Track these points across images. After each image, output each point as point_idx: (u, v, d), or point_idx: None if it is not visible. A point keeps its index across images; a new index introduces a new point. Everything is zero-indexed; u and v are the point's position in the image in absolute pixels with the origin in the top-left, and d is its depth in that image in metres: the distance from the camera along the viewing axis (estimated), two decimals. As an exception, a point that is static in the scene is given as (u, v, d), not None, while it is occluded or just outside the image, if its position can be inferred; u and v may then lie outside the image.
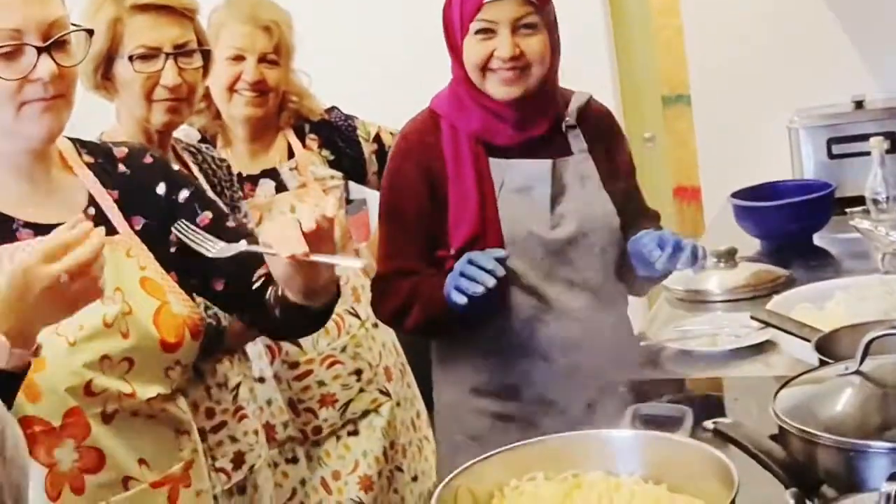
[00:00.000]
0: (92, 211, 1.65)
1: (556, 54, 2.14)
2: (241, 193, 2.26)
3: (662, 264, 2.04)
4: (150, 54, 2.03)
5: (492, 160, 2.14)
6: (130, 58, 2.02)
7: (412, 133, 2.20)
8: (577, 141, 2.20)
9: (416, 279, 2.14)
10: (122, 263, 1.63)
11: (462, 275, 1.97)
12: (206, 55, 2.12)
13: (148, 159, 1.76)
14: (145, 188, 1.72)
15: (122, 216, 1.67)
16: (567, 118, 2.19)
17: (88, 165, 1.69)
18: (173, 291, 1.67)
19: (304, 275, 1.58)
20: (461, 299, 1.96)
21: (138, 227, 1.68)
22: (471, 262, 1.98)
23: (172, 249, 1.70)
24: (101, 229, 1.44)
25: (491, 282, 1.95)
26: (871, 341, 1.45)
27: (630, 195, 2.25)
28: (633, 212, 2.22)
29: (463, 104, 2.15)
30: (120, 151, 1.74)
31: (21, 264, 1.37)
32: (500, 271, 1.96)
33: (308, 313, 1.68)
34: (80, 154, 1.70)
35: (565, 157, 2.17)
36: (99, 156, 1.72)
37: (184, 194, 1.76)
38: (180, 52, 2.04)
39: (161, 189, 1.73)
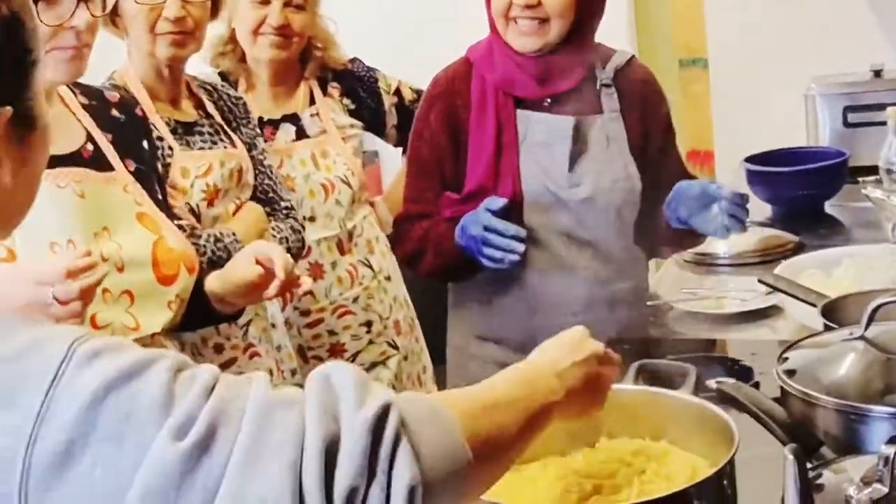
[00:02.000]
0: (90, 147, 1.68)
1: (589, 9, 2.11)
2: (258, 131, 2.28)
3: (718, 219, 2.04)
4: None
5: (519, 111, 2.14)
6: None
7: (443, 79, 2.22)
8: (610, 100, 2.18)
9: (428, 224, 2.17)
10: (118, 198, 1.67)
11: (486, 243, 2.00)
12: None
13: (139, 111, 1.81)
14: (135, 137, 1.77)
15: (118, 156, 1.71)
16: (602, 77, 2.18)
17: (84, 106, 1.73)
18: (169, 227, 1.71)
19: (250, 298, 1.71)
20: (501, 266, 2.02)
21: (131, 169, 1.72)
22: (489, 229, 2.00)
23: (160, 197, 1.75)
24: (100, 269, 1.46)
25: (521, 247, 2.00)
26: (877, 308, 1.46)
27: (664, 161, 2.23)
28: (667, 178, 2.18)
29: (491, 53, 2.16)
30: (112, 96, 1.79)
31: (13, 273, 1.41)
32: (523, 233, 2.00)
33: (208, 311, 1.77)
34: (75, 94, 1.73)
35: (594, 116, 2.16)
36: (93, 98, 1.76)
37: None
38: None
39: (146, 144, 1.78)
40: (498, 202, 2.03)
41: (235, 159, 2.12)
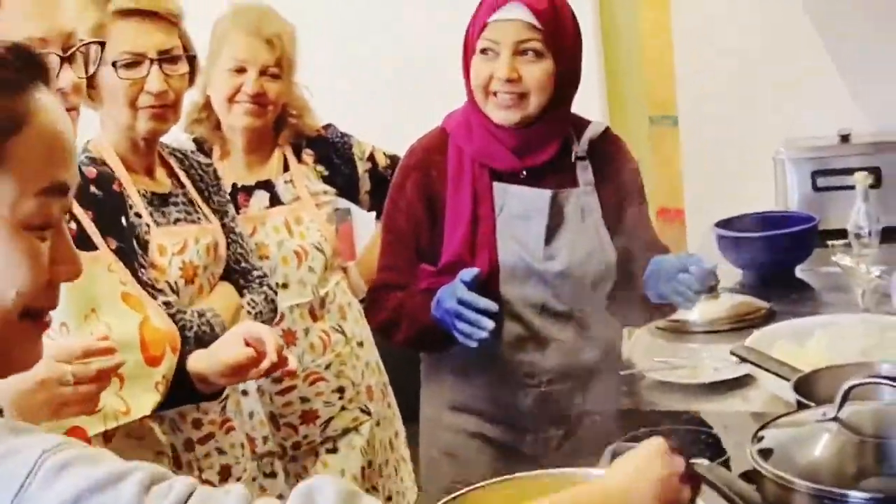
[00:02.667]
0: (74, 226, 1.67)
1: (566, 84, 2.13)
2: (228, 198, 2.27)
3: (691, 288, 2.04)
4: (135, 61, 2.00)
5: (496, 184, 2.15)
6: (115, 64, 1.99)
7: (419, 149, 2.23)
8: (585, 173, 2.19)
9: (403, 295, 2.17)
10: (103, 278, 1.66)
11: (459, 317, 2.00)
12: (192, 61, 2.12)
13: (116, 187, 1.80)
14: (115, 214, 1.76)
15: (100, 234, 1.70)
16: (577, 149, 2.19)
17: None
18: (152, 306, 1.70)
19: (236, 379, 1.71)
20: (471, 344, 2.01)
21: (113, 247, 1.71)
22: (461, 302, 2.00)
23: (140, 274, 1.74)
24: (118, 355, 1.47)
25: (491, 324, 1.99)
26: (849, 389, 1.47)
27: (637, 233, 2.23)
28: (641, 249, 2.19)
29: (469, 125, 2.17)
30: (90, 172, 1.78)
31: None
32: (494, 307, 2.00)
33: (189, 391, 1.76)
34: None
35: (569, 189, 2.17)
36: None
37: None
38: (165, 58, 2.02)
39: (124, 221, 1.77)
40: (470, 273, 2.03)
41: (210, 234, 2.11)
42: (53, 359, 1.41)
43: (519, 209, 2.14)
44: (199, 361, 1.74)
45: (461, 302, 2.00)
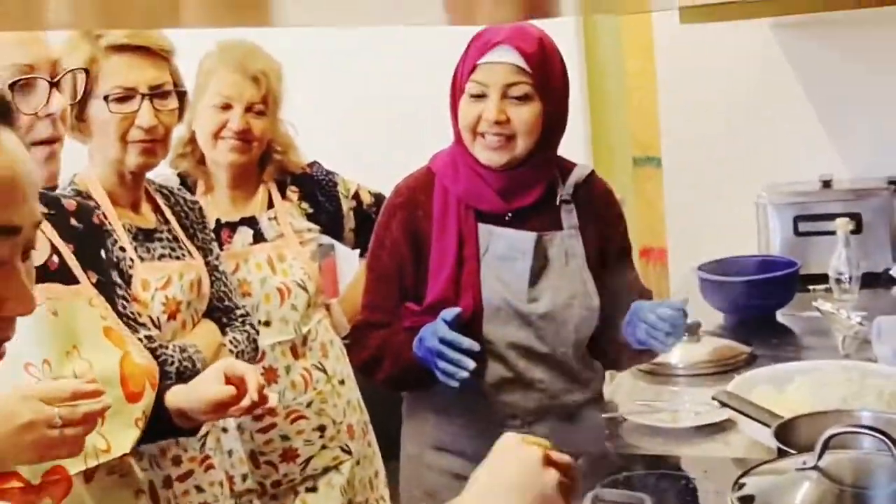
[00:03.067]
0: (56, 259, 1.66)
1: (554, 127, 2.14)
2: (213, 236, 2.27)
3: (662, 331, 2.05)
4: (127, 95, 2.01)
5: (481, 225, 2.16)
6: (106, 98, 2.01)
7: (405, 188, 2.23)
8: (570, 216, 2.20)
9: (386, 333, 2.17)
10: (85, 312, 1.65)
11: (441, 356, 2.00)
12: (182, 96, 2.13)
13: (96, 220, 1.79)
14: (95, 246, 1.76)
15: (80, 267, 1.70)
16: (562, 193, 2.20)
17: (44, 215, 1.71)
18: (132, 341, 1.70)
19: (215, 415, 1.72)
20: (452, 383, 2.01)
21: (94, 281, 1.70)
22: (443, 341, 2.00)
23: (121, 308, 1.74)
24: (105, 398, 1.48)
25: (472, 364, 1.99)
26: (829, 438, 1.47)
27: (620, 276, 2.23)
28: (623, 292, 2.19)
29: (456, 166, 2.17)
30: (69, 204, 1.77)
31: (20, 390, 1.40)
32: (476, 346, 2.00)
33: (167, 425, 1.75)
34: None
35: (553, 232, 2.18)
36: (52, 206, 1.73)
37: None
38: (156, 93, 2.03)
39: (104, 254, 1.77)
40: (452, 312, 2.03)
41: (194, 271, 2.11)
42: (41, 401, 1.40)
43: (504, 251, 2.15)
44: (177, 396, 1.73)
45: (443, 341, 2.00)
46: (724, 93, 3.60)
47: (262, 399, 1.73)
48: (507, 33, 2.07)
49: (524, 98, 2.08)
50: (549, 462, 1.24)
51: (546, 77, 2.09)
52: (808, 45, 3.48)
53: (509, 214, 2.17)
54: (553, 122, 2.13)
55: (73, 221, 1.75)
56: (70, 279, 1.67)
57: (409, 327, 2.13)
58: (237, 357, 2.04)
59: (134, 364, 1.66)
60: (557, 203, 2.20)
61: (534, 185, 2.17)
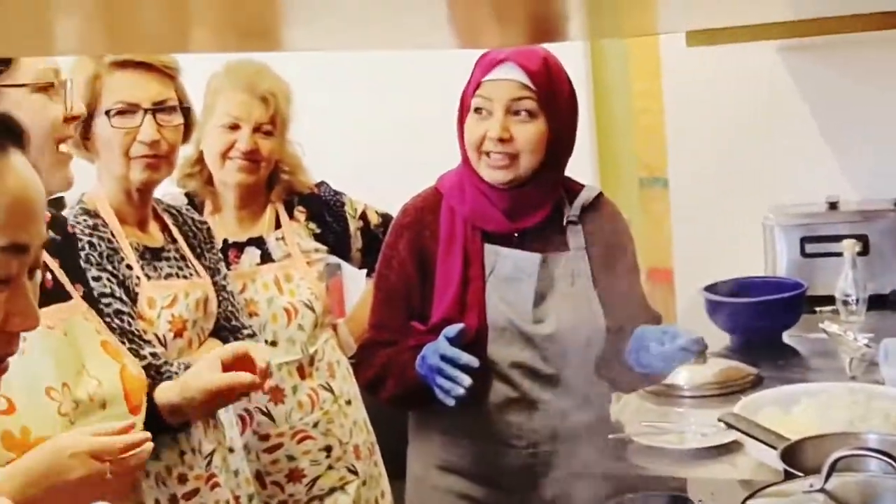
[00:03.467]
0: (49, 276, 1.67)
1: (559, 146, 2.14)
2: (221, 256, 2.28)
3: (663, 359, 2.05)
4: (129, 110, 2.02)
5: (487, 245, 2.16)
6: (108, 113, 2.01)
7: (412, 209, 2.24)
8: (576, 237, 2.20)
9: (391, 352, 2.17)
10: (83, 327, 1.65)
11: (440, 373, 2.00)
12: (187, 113, 2.13)
13: (69, 229, 1.80)
14: (75, 257, 1.76)
15: (69, 282, 1.70)
16: (569, 214, 2.20)
17: None
18: (126, 353, 1.70)
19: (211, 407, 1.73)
20: (449, 401, 2.01)
21: (81, 294, 1.71)
22: (444, 358, 2.00)
23: (127, 325, 1.75)
24: (149, 444, 1.50)
25: (468, 381, 1.99)
26: (836, 460, 1.47)
27: (628, 297, 2.22)
28: (631, 314, 2.19)
29: (462, 186, 2.18)
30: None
31: (69, 447, 1.42)
32: (475, 363, 1.99)
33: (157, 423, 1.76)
34: None
35: (559, 253, 2.18)
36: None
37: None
38: (159, 108, 2.04)
39: (81, 262, 1.78)
40: (455, 329, 2.03)
41: (201, 289, 2.11)
42: (93, 456, 1.41)
43: (509, 271, 2.15)
44: (169, 392, 1.74)
45: (444, 358, 2.00)
46: (731, 114, 3.60)
47: (264, 374, 1.74)
48: (513, 51, 2.08)
49: (528, 115, 2.09)
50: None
51: (551, 95, 2.10)
52: (815, 67, 3.49)
53: (516, 235, 2.17)
54: (558, 141, 2.13)
55: (51, 233, 1.75)
56: (65, 296, 1.68)
57: (414, 346, 2.13)
58: None
59: (133, 377, 1.67)
60: (564, 224, 2.20)
61: (540, 206, 2.17)
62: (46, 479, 1.39)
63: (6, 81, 1.58)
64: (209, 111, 2.50)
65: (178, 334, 2.03)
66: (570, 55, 3.73)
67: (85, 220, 2.00)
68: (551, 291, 2.16)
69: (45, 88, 1.61)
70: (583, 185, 2.25)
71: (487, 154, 2.11)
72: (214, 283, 2.17)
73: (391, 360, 2.17)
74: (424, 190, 2.26)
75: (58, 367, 1.57)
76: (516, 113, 2.09)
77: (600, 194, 2.26)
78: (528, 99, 2.08)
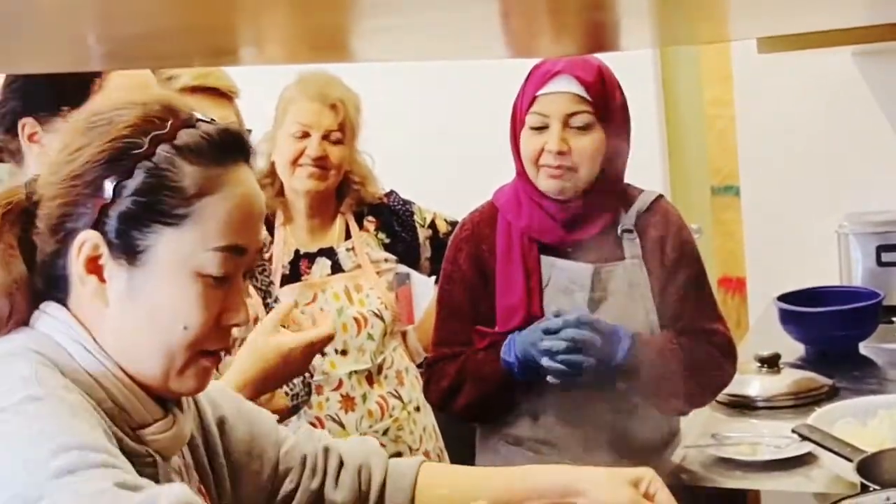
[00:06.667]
0: None
1: (616, 157, 2.12)
2: (272, 280, 2.27)
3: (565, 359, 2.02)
4: None
5: (543, 257, 2.15)
6: None
7: (469, 223, 2.24)
8: (632, 246, 2.16)
9: (463, 359, 2.16)
10: None
11: (547, 332, 2.01)
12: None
13: None
14: None
15: None
16: (624, 222, 2.17)
17: None
18: None
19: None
20: (557, 365, 2.00)
21: None
22: (547, 331, 2.01)
23: None
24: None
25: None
26: (914, 473, 1.45)
27: (686, 306, 2.16)
28: (695, 321, 2.15)
29: (518, 199, 2.17)
30: None
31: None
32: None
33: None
34: None
35: (614, 263, 2.14)
36: None
37: None
38: None
39: None
40: (556, 322, 2.03)
41: (252, 309, 2.12)
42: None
43: (564, 282, 2.14)
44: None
45: (547, 331, 2.01)
46: (804, 121, 3.55)
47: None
48: (566, 63, 2.06)
49: (585, 128, 2.08)
50: None
51: (606, 106, 2.09)
52: (889, 72, 3.43)
53: (571, 247, 2.15)
54: (615, 152, 2.12)
55: None
56: None
57: (486, 347, 2.13)
58: (291, 400, 2.02)
59: None
60: (619, 233, 2.17)
61: (597, 217, 2.14)
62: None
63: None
64: (280, 122, 2.53)
65: (228, 352, 2.04)
66: (641, 62, 3.75)
67: None
68: (605, 302, 2.14)
69: None
70: (642, 191, 2.22)
71: (545, 167, 2.10)
72: (266, 305, 2.18)
73: (464, 366, 2.16)
74: (481, 204, 2.26)
75: None
76: (573, 125, 2.08)
77: (657, 199, 2.21)
78: (585, 112, 2.07)
